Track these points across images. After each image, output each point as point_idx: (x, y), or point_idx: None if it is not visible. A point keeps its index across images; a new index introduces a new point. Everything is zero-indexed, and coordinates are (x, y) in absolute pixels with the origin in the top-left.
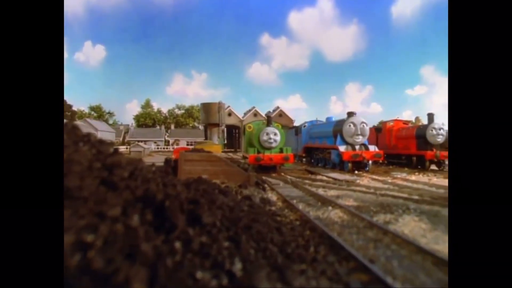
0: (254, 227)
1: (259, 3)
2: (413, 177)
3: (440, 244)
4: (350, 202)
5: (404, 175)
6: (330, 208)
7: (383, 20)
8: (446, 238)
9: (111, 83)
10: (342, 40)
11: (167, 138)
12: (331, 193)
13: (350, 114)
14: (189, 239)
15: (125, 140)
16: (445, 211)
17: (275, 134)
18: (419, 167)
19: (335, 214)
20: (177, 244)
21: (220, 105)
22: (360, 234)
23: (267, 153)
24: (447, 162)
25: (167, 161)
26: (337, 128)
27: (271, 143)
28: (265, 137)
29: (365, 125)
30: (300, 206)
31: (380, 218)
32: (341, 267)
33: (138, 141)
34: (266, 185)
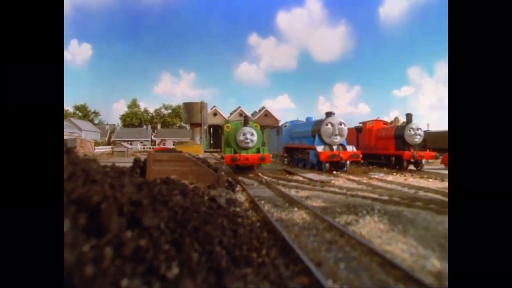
0: (204, 229)
1: (247, 2)
2: (390, 177)
3: (392, 245)
4: (317, 203)
5: (381, 175)
6: (296, 209)
7: (371, 21)
8: (400, 238)
9: (97, 82)
10: (330, 41)
11: (153, 138)
12: (302, 193)
13: (328, 114)
14: (122, 243)
15: (111, 140)
16: (407, 211)
17: (252, 134)
18: (397, 167)
19: (299, 216)
20: (108, 250)
21: (202, 105)
22: (317, 236)
23: (243, 153)
24: (424, 162)
25: (136, 161)
26: (315, 128)
27: (247, 143)
28: (241, 137)
29: (343, 125)
30: (266, 207)
31: (342, 219)
32: (287, 271)
33: (124, 141)
34: (238, 186)
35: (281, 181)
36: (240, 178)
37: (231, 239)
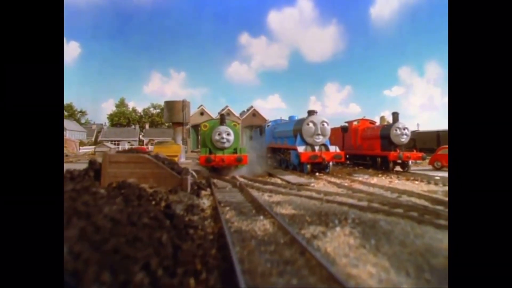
0: (127, 250)
1: (238, 2)
2: (374, 180)
3: (359, 267)
4: (287, 210)
5: (365, 177)
6: (261, 217)
7: (362, 21)
8: (370, 258)
9: (86, 81)
10: (321, 41)
11: (141, 138)
12: (275, 198)
13: (311, 113)
14: None
15: (98, 140)
16: (385, 221)
17: (228, 133)
18: (383, 168)
19: (261, 226)
20: None
21: (184, 103)
22: (274, 254)
23: (219, 154)
24: (411, 163)
25: (91, 163)
26: (297, 128)
27: (223, 143)
28: (217, 137)
29: (326, 124)
30: (229, 215)
31: (308, 232)
32: None
33: (112, 141)
34: (208, 189)
35: (257, 184)
36: (215, 180)
37: (166, 260)
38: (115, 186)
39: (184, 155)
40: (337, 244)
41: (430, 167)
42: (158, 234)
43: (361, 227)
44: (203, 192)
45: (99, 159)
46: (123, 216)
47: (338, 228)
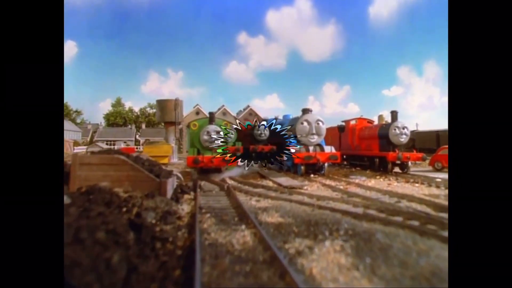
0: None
1: (236, 1)
2: (371, 182)
3: None
4: (273, 218)
5: (363, 179)
6: (243, 226)
7: (360, 21)
8: (363, 283)
9: (83, 81)
10: (319, 40)
11: (138, 138)
12: (262, 203)
13: (305, 111)
14: None
15: (94, 140)
16: (382, 232)
17: (218, 133)
18: (381, 169)
19: (241, 238)
20: None
21: (176, 102)
22: (249, 275)
23: (207, 154)
24: (410, 164)
25: None
26: (290, 127)
27: (212, 143)
28: (205, 137)
29: (321, 123)
30: (208, 223)
31: (293, 246)
32: None
33: (108, 141)
34: (191, 193)
35: (246, 187)
36: (203, 182)
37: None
38: (84, 191)
39: (177, 156)
40: (325, 264)
41: (430, 168)
42: (108, 253)
43: (354, 241)
44: (185, 196)
45: (70, 161)
46: (69, 232)
47: (327, 242)
